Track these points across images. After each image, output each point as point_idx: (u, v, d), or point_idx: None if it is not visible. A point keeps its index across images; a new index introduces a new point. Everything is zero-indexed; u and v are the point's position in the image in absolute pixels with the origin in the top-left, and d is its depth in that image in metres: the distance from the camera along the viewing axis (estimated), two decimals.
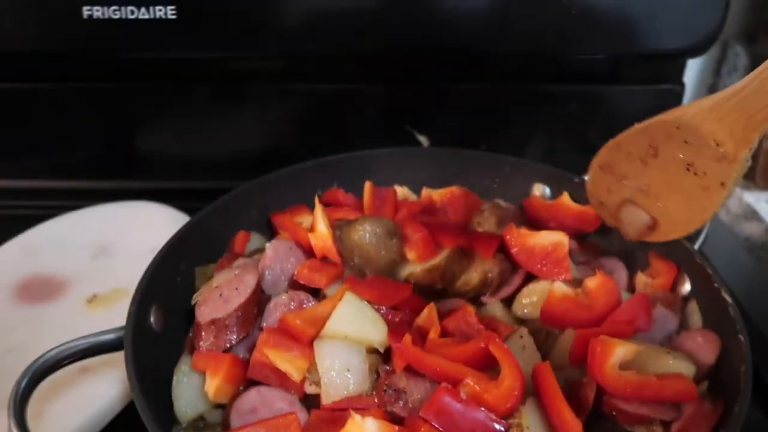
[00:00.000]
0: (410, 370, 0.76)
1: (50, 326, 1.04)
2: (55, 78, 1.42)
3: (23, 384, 0.71)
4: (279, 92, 1.43)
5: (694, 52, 1.27)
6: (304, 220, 1.06)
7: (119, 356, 0.88)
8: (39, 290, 1.13)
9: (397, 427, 0.67)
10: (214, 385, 0.77)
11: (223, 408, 0.80)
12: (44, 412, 0.86)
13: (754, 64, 1.42)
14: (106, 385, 0.91)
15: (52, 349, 0.77)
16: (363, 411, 0.70)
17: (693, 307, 0.89)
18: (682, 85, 1.37)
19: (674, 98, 1.37)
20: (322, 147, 1.21)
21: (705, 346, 0.81)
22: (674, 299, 0.89)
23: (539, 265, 0.93)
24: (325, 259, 0.95)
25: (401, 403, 0.73)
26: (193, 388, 0.80)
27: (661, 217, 0.90)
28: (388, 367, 0.78)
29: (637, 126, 0.88)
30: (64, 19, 1.24)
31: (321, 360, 0.75)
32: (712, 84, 1.56)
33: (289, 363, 0.77)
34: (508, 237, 0.96)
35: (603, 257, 1.01)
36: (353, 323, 0.78)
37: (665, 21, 1.22)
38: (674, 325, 0.86)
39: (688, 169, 0.83)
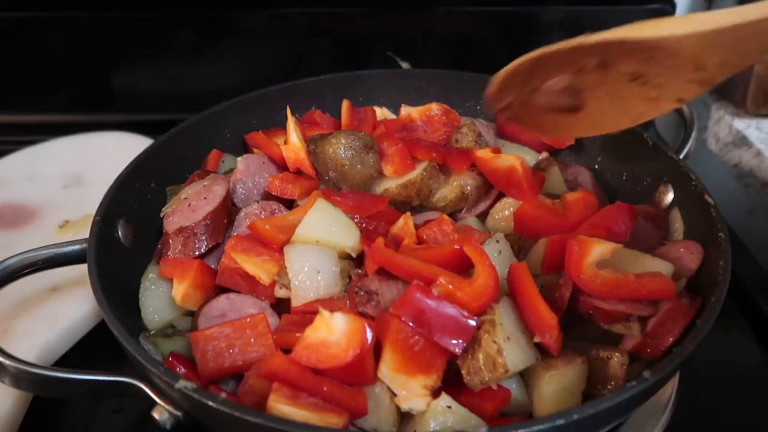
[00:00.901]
0: (382, 273, 0.74)
1: (22, 249, 1.01)
2: (24, 7, 1.37)
3: None
4: (259, 20, 1.39)
5: None
6: (280, 140, 1.03)
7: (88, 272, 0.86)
8: (10, 218, 1.11)
9: (365, 321, 0.65)
10: (181, 290, 0.76)
11: (193, 315, 0.78)
12: (12, 328, 0.85)
13: None
14: (76, 303, 0.90)
15: (13, 256, 0.75)
16: (332, 310, 0.68)
17: (675, 215, 0.88)
18: (673, 5, 1.33)
19: (665, 17, 1.32)
20: (304, 76, 1.17)
21: (687, 255, 0.79)
22: (657, 212, 0.87)
23: (504, 187, 0.90)
24: (299, 173, 0.92)
25: (373, 303, 0.71)
26: (161, 295, 0.79)
27: (585, 107, 0.75)
28: (360, 271, 0.76)
29: (591, 39, 0.67)
30: None
31: (291, 263, 0.73)
32: (705, 8, 1.51)
33: (258, 267, 0.75)
34: (476, 159, 0.93)
35: (570, 167, 0.99)
36: (324, 228, 0.76)
37: None
38: (656, 240, 0.84)
39: (634, 79, 0.69)
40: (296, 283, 0.72)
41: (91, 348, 0.89)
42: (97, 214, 0.81)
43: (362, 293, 0.72)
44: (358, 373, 0.65)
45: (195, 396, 0.57)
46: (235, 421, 0.56)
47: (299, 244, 0.75)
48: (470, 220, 0.93)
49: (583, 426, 0.56)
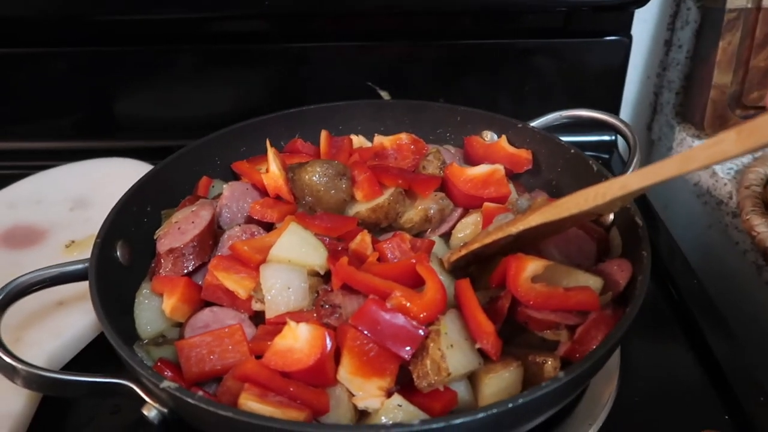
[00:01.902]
0: (346, 288, 0.84)
1: (30, 268, 1.11)
2: (36, 43, 1.48)
3: None
4: (249, 53, 1.49)
5: (637, 2, 1.33)
6: (264, 167, 1.13)
7: None
8: (21, 238, 1.21)
9: (325, 330, 0.75)
10: (170, 304, 0.86)
11: (181, 326, 0.88)
12: (23, 338, 0.95)
13: (703, 17, 1.48)
14: (80, 316, 1.01)
15: (24, 275, 0.85)
16: (300, 321, 0.78)
17: (615, 233, 0.98)
18: (629, 36, 1.43)
19: (622, 49, 1.43)
20: (291, 105, 1.28)
21: (618, 272, 0.88)
22: (597, 230, 0.97)
23: (481, 189, 1.01)
24: (278, 198, 1.03)
25: (336, 316, 0.81)
26: (153, 309, 0.89)
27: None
28: (327, 287, 0.86)
29: (514, 229, 0.85)
30: None
31: (265, 280, 0.84)
32: (667, 39, 1.61)
33: (236, 283, 0.85)
34: (448, 173, 1.04)
35: (531, 192, 1.09)
36: (295, 249, 0.86)
37: None
38: (592, 248, 0.93)
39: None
40: (269, 297, 0.83)
41: (94, 355, 0.99)
42: (98, 237, 0.91)
43: (327, 306, 0.82)
44: (320, 375, 0.75)
45: (177, 394, 0.67)
46: (210, 416, 0.66)
47: (273, 263, 0.86)
48: (435, 239, 1.03)
49: (504, 420, 0.66)
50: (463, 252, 0.90)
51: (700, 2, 1.49)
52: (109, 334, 0.76)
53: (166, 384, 0.68)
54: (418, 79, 1.51)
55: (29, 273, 0.86)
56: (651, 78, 1.67)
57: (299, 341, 0.75)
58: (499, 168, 1.05)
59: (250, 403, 0.69)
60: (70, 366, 0.97)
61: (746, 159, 1.40)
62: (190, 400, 0.66)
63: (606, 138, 1.50)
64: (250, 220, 1.00)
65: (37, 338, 0.95)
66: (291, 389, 0.73)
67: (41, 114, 1.57)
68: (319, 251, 0.88)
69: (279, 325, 0.82)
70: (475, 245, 0.88)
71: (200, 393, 0.70)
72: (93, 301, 0.81)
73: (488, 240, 0.87)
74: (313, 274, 0.88)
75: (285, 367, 0.74)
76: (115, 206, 0.98)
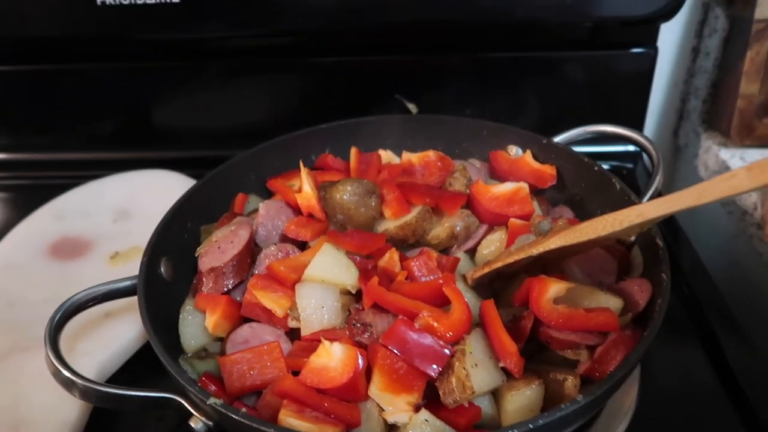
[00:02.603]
0: (377, 308, 0.89)
1: (79, 280, 1.18)
2: (77, 59, 1.56)
3: (56, 318, 0.86)
4: (279, 67, 1.55)
5: (663, 16, 1.34)
6: (296, 183, 1.18)
7: (137, 304, 1.03)
8: (68, 249, 1.29)
9: (358, 349, 0.80)
10: (212, 320, 0.92)
11: (222, 341, 0.94)
12: (75, 349, 1.02)
13: (731, 25, 1.49)
14: (126, 327, 1.07)
15: (79, 293, 0.92)
16: (334, 339, 0.84)
17: (636, 252, 1.01)
18: (655, 49, 1.44)
19: (648, 61, 1.44)
20: (322, 116, 1.33)
21: (638, 293, 0.91)
22: (618, 248, 1.00)
23: (506, 207, 1.05)
24: (311, 216, 1.08)
25: (367, 335, 0.86)
26: (196, 324, 0.95)
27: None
28: (358, 306, 0.91)
29: (535, 251, 0.90)
30: (80, 6, 1.36)
31: (300, 299, 0.89)
32: (695, 46, 1.62)
33: (273, 302, 0.91)
34: (474, 191, 1.08)
35: (555, 207, 1.12)
36: (329, 269, 0.91)
37: None
38: (613, 266, 0.96)
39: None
40: (304, 316, 0.88)
41: (139, 366, 1.06)
42: (144, 255, 0.97)
43: (359, 325, 0.87)
44: (352, 392, 0.80)
45: (222, 410, 0.73)
46: (252, 430, 0.71)
47: (308, 282, 0.91)
48: (460, 255, 1.07)
49: None
50: (486, 270, 0.94)
51: (729, 11, 1.49)
52: (158, 350, 0.82)
53: (212, 401, 0.74)
54: (446, 92, 1.54)
55: (83, 291, 0.92)
56: (678, 85, 1.67)
57: (333, 360, 0.80)
58: (524, 186, 1.08)
59: (290, 419, 0.74)
60: (117, 376, 1.03)
61: None
62: (234, 416, 0.72)
63: (631, 149, 1.51)
64: (284, 238, 1.05)
65: (88, 349, 1.02)
66: (325, 405, 0.78)
67: (83, 125, 1.65)
68: (351, 271, 0.92)
69: (314, 342, 0.87)
70: (498, 264, 0.93)
71: (243, 409, 0.75)
72: (142, 317, 0.87)
73: (510, 260, 0.91)
74: (345, 292, 0.93)
75: (320, 384, 0.79)
76: (158, 225, 1.04)
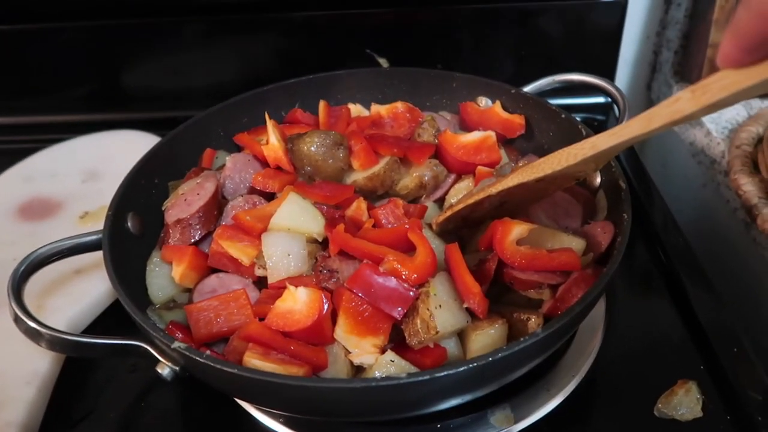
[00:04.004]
0: (343, 255, 0.89)
1: (48, 239, 1.17)
2: (45, 18, 1.52)
3: (20, 270, 0.86)
4: (250, 24, 1.52)
5: None
6: (264, 138, 1.18)
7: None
8: (37, 210, 1.28)
9: (322, 293, 0.81)
10: (179, 271, 0.92)
11: (190, 292, 0.95)
12: (45, 305, 1.03)
13: None
14: (96, 283, 1.08)
15: (43, 246, 0.92)
16: (299, 285, 0.84)
17: (601, 196, 1.02)
18: None
19: (618, 10, 1.44)
20: (294, 74, 1.31)
21: (601, 234, 0.92)
22: (574, 188, 1.00)
23: (474, 155, 1.06)
24: (279, 169, 1.08)
25: (334, 280, 0.87)
26: (164, 275, 0.95)
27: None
28: (325, 253, 0.92)
29: (494, 189, 0.90)
30: None
31: (266, 248, 0.89)
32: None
33: (240, 251, 0.91)
34: (442, 140, 1.08)
35: (524, 156, 1.13)
36: (295, 218, 0.91)
37: None
38: (578, 210, 0.98)
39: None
40: (270, 264, 0.88)
41: (110, 320, 1.06)
42: (109, 209, 0.97)
43: (325, 272, 0.88)
44: (318, 335, 0.81)
45: (187, 353, 0.73)
46: (217, 372, 0.72)
47: (274, 231, 0.91)
48: (429, 204, 1.08)
49: (487, 372, 0.71)
50: (449, 213, 0.94)
51: None
52: (123, 300, 0.82)
53: (176, 345, 0.74)
54: (416, 45, 1.53)
55: (48, 245, 0.92)
56: (650, 38, 1.67)
57: (298, 303, 0.81)
58: (491, 134, 1.09)
59: (254, 360, 0.75)
60: (89, 330, 1.04)
61: (740, 118, 1.42)
62: (199, 359, 0.72)
63: (602, 100, 1.52)
64: (252, 190, 1.05)
65: (58, 305, 1.02)
66: (292, 348, 0.79)
67: (51, 88, 1.62)
68: (317, 219, 0.93)
69: (280, 289, 0.87)
70: (460, 206, 0.93)
71: (208, 352, 0.76)
72: (107, 269, 0.87)
73: (471, 200, 0.91)
74: (312, 241, 0.93)
75: (286, 328, 0.80)
76: (124, 180, 1.03)
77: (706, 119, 1.47)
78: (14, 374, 0.91)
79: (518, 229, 0.86)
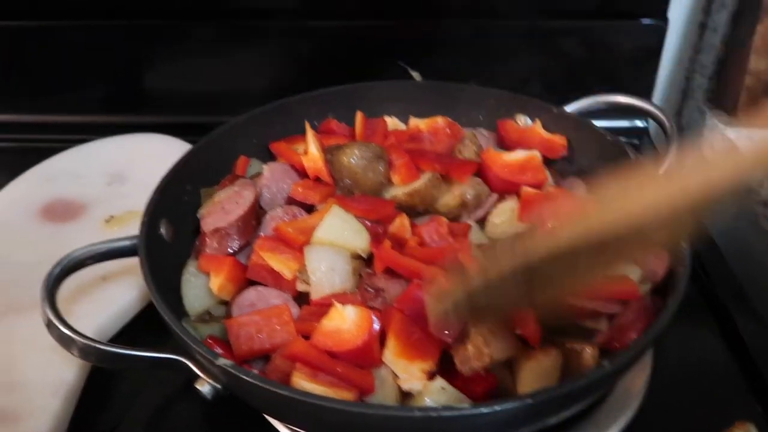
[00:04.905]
0: (389, 273, 0.86)
1: (73, 242, 1.12)
2: (71, 16, 1.49)
3: (55, 273, 0.82)
4: (278, 30, 1.49)
5: None
6: (300, 147, 1.15)
7: (135, 267, 0.99)
8: (61, 211, 1.24)
9: (371, 312, 0.77)
10: (217, 282, 0.88)
11: (226, 304, 0.91)
12: (71, 312, 0.98)
13: (741, 1, 1.46)
14: (123, 290, 1.03)
15: (79, 249, 0.88)
16: (345, 303, 0.81)
17: None
18: (666, 20, 1.42)
19: (658, 33, 1.42)
20: (321, 82, 1.28)
21: (656, 262, 0.89)
22: None
23: (518, 174, 1.03)
24: (318, 180, 1.05)
25: (380, 300, 0.84)
26: (200, 285, 0.92)
27: None
28: (369, 270, 0.88)
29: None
30: None
31: (309, 262, 0.86)
32: (702, 21, 1.59)
33: (282, 264, 0.87)
34: (485, 157, 1.05)
35: (565, 179, 1.10)
36: (338, 232, 0.88)
37: None
38: None
39: None
40: (314, 279, 0.85)
41: (137, 329, 1.02)
42: (144, 215, 0.93)
43: (371, 290, 0.84)
44: (366, 356, 0.78)
45: (233, 371, 0.70)
46: (263, 392, 0.68)
47: (317, 245, 0.88)
48: (471, 224, 1.04)
49: (546, 407, 0.68)
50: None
51: None
52: (163, 311, 0.78)
53: (222, 361, 0.70)
54: (450, 60, 1.50)
55: (82, 248, 0.88)
56: (683, 62, 1.65)
57: (347, 323, 0.77)
58: (536, 154, 1.06)
59: (303, 382, 0.71)
60: (114, 340, 1.00)
61: None
62: (245, 378, 0.69)
63: (638, 124, 1.49)
64: (290, 200, 1.01)
65: (85, 311, 0.98)
66: (338, 369, 0.76)
67: (72, 87, 1.59)
68: (362, 235, 0.89)
69: (323, 306, 0.84)
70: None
71: (255, 371, 0.72)
72: (145, 277, 0.83)
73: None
74: (356, 257, 0.90)
75: (334, 348, 0.76)
76: (158, 185, 0.99)
77: (743, 144, 1.45)
78: (39, 384, 0.87)
79: None
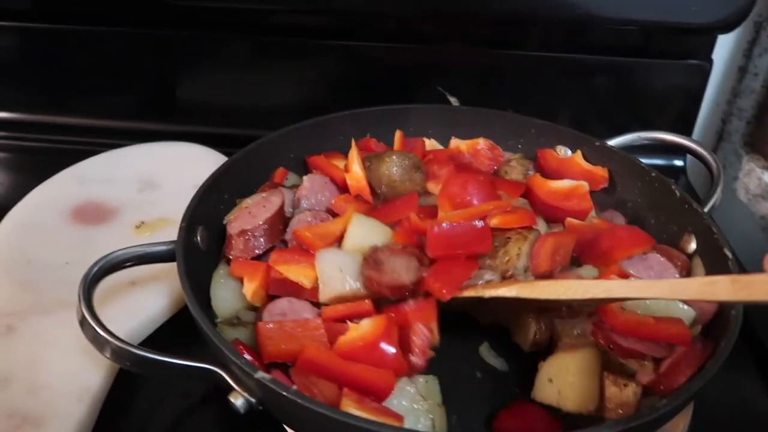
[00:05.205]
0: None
1: (103, 245, 1.11)
2: (110, 22, 1.51)
3: (92, 273, 0.81)
4: (316, 49, 1.50)
5: (724, 27, 1.30)
6: (338, 163, 1.14)
7: (164, 273, 0.98)
8: (91, 214, 1.23)
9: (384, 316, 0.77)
10: (251, 288, 0.87)
11: (254, 310, 0.90)
12: (102, 316, 0.96)
13: None
14: (154, 295, 1.02)
15: (116, 251, 0.86)
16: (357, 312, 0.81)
17: (697, 263, 0.95)
18: (710, 61, 1.41)
19: (702, 74, 1.41)
20: (356, 103, 1.28)
21: (705, 303, 0.85)
22: (671, 251, 0.95)
23: (564, 201, 1.02)
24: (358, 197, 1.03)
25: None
26: (230, 289, 0.91)
27: None
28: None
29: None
30: None
31: (319, 263, 0.86)
32: (742, 65, 1.58)
33: (299, 273, 0.86)
34: (531, 182, 1.04)
35: (605, 211, 1.09)
36: (366, 236, 0.88)
37: None
38: (674, 275, 0.92)
39: None
40: (323, 279, 0.85)
41: (162, 337, 1.00)
42: (183, 221, 0.92)
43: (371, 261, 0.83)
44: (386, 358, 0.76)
45: (272, 386, 0.67)
46: (302, 410, 0.66)
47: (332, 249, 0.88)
48: None
49: None
50: (465, 294, 0.86)
51: None
52: (200, 319, 0.76)
53: (260, 375, 0.68)
54: (489, 88, 1.50)
55: (120, 250, 0.87)
56: (720, 105, 1.64)
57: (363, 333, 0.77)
58: (584, 184, 1.04)
59: (350, 409, 0.68)
60: (144, 345, 0.97)
61: None
62: (285, 394, 0.66)
63: (676, 163, 1.47)
64: (329, 212, 1.00)
65: (114, 316, 0.95)
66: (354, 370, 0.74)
67: (107, 92, 1.60)
68: (386, 232, 0.90)
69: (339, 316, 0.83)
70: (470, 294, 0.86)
71: (294, 387, 0.70)
72: (183, 284, 0.81)
73: (462, 295, 0.85)
74: None
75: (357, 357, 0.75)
76: (197, 192, 0.98)
77: None
78: (64, 389, 0.85)
79: None
